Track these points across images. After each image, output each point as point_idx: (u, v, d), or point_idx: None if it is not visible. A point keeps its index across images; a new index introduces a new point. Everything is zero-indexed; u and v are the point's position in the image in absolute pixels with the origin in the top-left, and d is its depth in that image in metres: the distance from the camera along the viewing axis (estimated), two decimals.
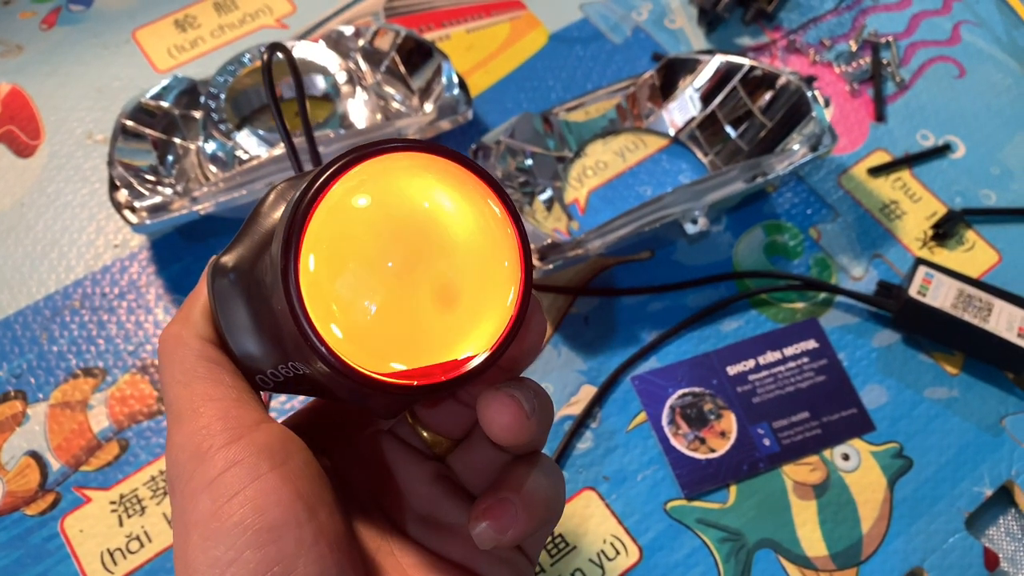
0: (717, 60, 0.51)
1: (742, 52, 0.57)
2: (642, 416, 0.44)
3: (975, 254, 0.50)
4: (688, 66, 0.52)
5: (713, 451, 0.43)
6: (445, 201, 0.22)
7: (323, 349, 0.20)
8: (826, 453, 0.43)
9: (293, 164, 0.32)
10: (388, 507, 0.27)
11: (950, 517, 0.42)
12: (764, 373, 0.45)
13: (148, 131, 0.47)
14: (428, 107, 0.48)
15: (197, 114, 0.49)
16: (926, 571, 0.41)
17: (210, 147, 0.48)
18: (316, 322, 0.20)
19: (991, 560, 0.41)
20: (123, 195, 0.44)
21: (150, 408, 0.43)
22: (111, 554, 0.40)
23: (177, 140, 0.48)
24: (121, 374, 0.44)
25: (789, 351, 0.46)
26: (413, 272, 0.22)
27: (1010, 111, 0.56)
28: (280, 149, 0.47)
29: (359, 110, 0.50)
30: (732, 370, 0.45)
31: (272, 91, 0.33)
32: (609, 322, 0.47)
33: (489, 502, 0.24)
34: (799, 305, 0.48)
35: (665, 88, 0.53)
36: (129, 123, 0.46)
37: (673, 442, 0.43)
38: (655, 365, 0.46)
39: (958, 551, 0.41)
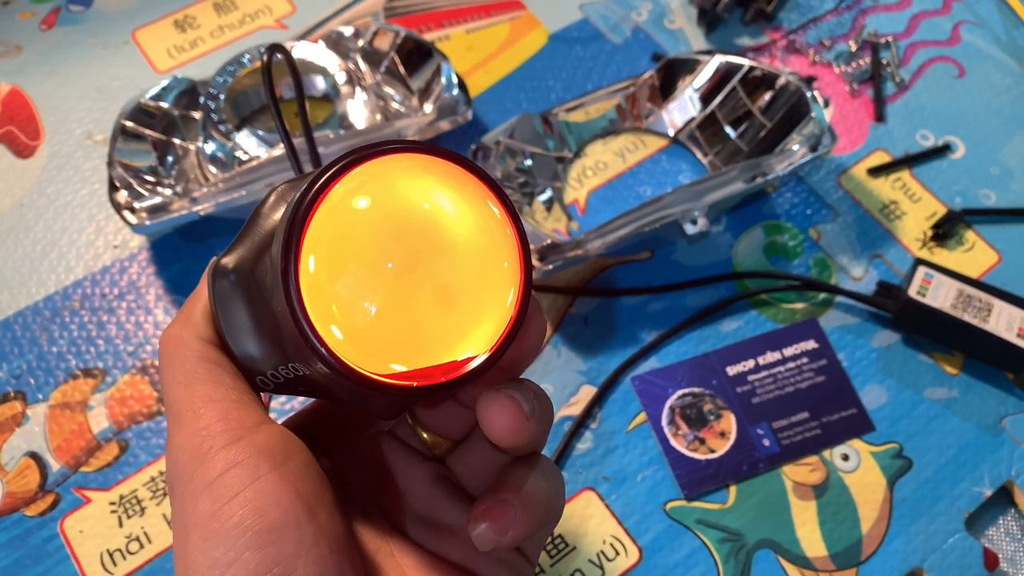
0: (717, 60, 0.51)
1: (742, 52, 0.57)
2: (642, 416, 0.44)
3: (975, 254, 0.50)
4: (688, 66, 0.52)
5: (713, 451, 0.43)
6: (445, 202, 0.22)
7: (323, 350, 0.20)
8: (826, 453, 0.43)
9: (293, 165, 0.32)
10: (388, 508, 0.27)
11: (950, 517, 0.42)
12: (764, 373, 0.45)
13: (148, 132, 0.47)
14: (428, 107, 0.48)
15: (197, 115, 0.49)
16: (926, 571, 0.41)
17: (210, 148, 0.48)
18: (316, 323, 0.20)
19: (991, 560, 0.41)
20: (123, 196, 0.44)
21: (150, 409, 0.43)
22: (111, 555, 0.40)
23: (177, 141, 0.48)
24: (121, 375, 0.44)
25: (789, 351, 0.46)
26: (413, 273, 0.22)
27: (1010, 111, 0.56)
28: (279, 150, 0.47)
29: (359, 111, 0.50)
30: (732, 370, 0.45)
31: (272, 92, 0.33)
32: (609, 322, 0.47)
33: (489, 503, 0.24)
34: (799, 305, 0.48)
35: (665, 88, 0.53)
36: (129, 124, 0.46)
37: (673, 442, 0.43)
38: (655, 365, 0.46)
39: (958, 551, 0.41)
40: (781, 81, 0.49)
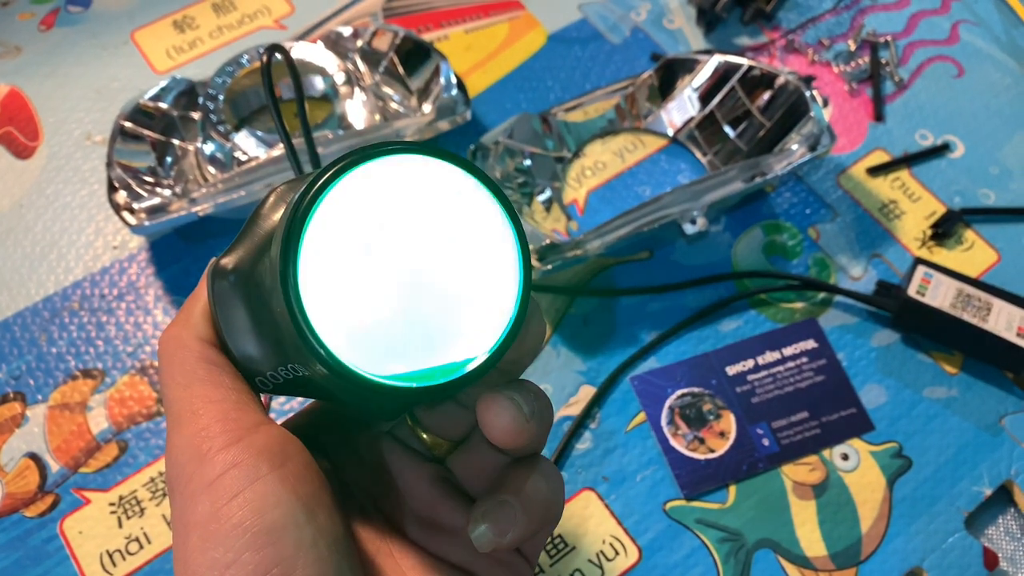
0: (716, 60, 0.51)
1: (741, 52, 0.57)
2: (641, 416, 0.44)
3: (974, 254, 0.50)
4: (687, 66, 0.52)
5: (712, 451, 0.43)
6: (444, 203, 0.22)
7: (322, 352, 0.20)
8: (825, 453, 0.43)
9: (293, 166, 0.32)
10: (388, 509, 0.27)
11: (949, 517, 0.42)
12: (763, 373, 0.45)
13: (147, 132, 0.47)
14: (427, 108, 0.48)
15: (196, 115, 0.49)
16: (925, 571, 0.41)
17: (209, 148, 0.48)
18: (315, 325, 0.20)
19: (990, 560, 0.41)
20: (122, 196, 0.44)
21: (149, 409, 0.43)
22: (110, 555, 0.40)
23: (176, 141, 0.48)
24: (120, 375, 0.44)
25: (788, 351, 0.46)
26: (411, 274, 0.22)
27: (1009, 110, 0.56)
28: (278, 150, 0.47)
29: (358, 111, 0.50)
30: (731, 370, 0.45)
31: (272, 93, 0.33)
32: (608, 322, 0.47)
33: (488, 505, 0.24)
34: (798, 305, 0.48)
35: (664, 88, 0.53)
36: (128, 124, 0.46)
37: (672, 442, 0.43)
38: (654, 365, 0.46)
39: (957, 551, 0.41)
40: (780, 81, 0.49)
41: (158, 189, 0.45)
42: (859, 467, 0.43)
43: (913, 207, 0.52)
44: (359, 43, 0.52)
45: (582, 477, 0.42)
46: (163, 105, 0.48)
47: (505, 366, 0.24)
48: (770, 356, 0.46)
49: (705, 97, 0.52)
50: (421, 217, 0.22)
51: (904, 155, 0.53)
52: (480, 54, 0.56)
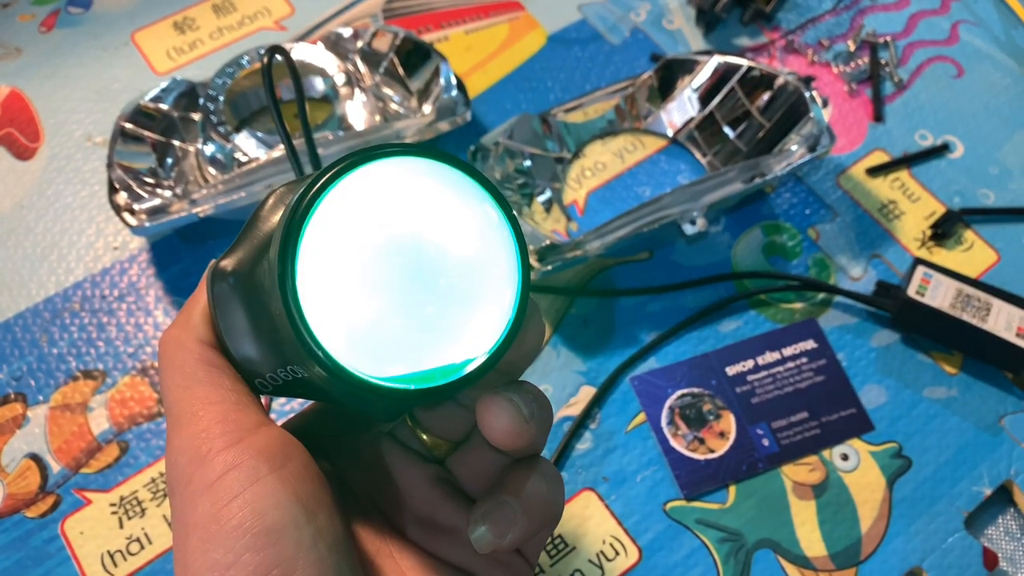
0: (715, 60, 0.51)
1: (740, 52, 0.57)
2: (641, 417, 0.44)
3: (974, 254, 0.50)
4: (686, 67, 0.53)
5: (712, 451, 0.43)
6: (443, 205, 0.22)
7: (321, 354, 0.21)
8: (825, 453, 0.43)
9: (294, 166, 0.32)
10: (387, 510, 0.27)
11: (949, 517, 0.42)
12: (763, 373, 0.45)
13: (147, 133, 0.47)
14: (427, 108, 0.48)
15: (196, 116, 0.49)
16: (925, 571, 0.41)
17: (209, 149, 0.48)
18: (314, 327, 0.20)
19: (990, 560, 0.41)
20: (122, 197, 0.44)
21: (150, 410, 0.43)
22: (111, 556, 0.40)
23: (176, 142, 0.48)
24: (121, 376, 0.44)
25: (788, 351, 0.46)
26: (411, 276, 0.22)
27: (1008, 111, 0.56)
28: (278, 151, 0.47)
29: (358, 112, 0.50)
30: (731, 370, 0.45)
31: (272, 94, 0.34)
32: (608, 323, 0.47)
33: (488, 506, 0.24)
34: (798, 305, 0.48)
35: (663, 89, 0.53)
36: (128, 125, 0.46)
37: (672, 443, 0.43)
38: (654, 366, 0.46)
39: (957, 551, 0.41)
40: (780, 81, 0.49)
41: (159, 190, 0.45)
42: (859, 467, 0.43)
43: (913, 207, 0.52)
44: (359, 44, 0.52)
45: (582, 477, 0.42)
46: (163, 106, 0.48)
47: (504, 367, 0.24)
48: (770, 356, 0.46)
49: (705, 98, 0.52)
50: (420, 219, 0.22)
51: (904, 155, 0.53)
52: (480, 55, 0.56)
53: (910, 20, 0.60)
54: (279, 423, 0.25)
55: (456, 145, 0.51)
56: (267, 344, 0.23)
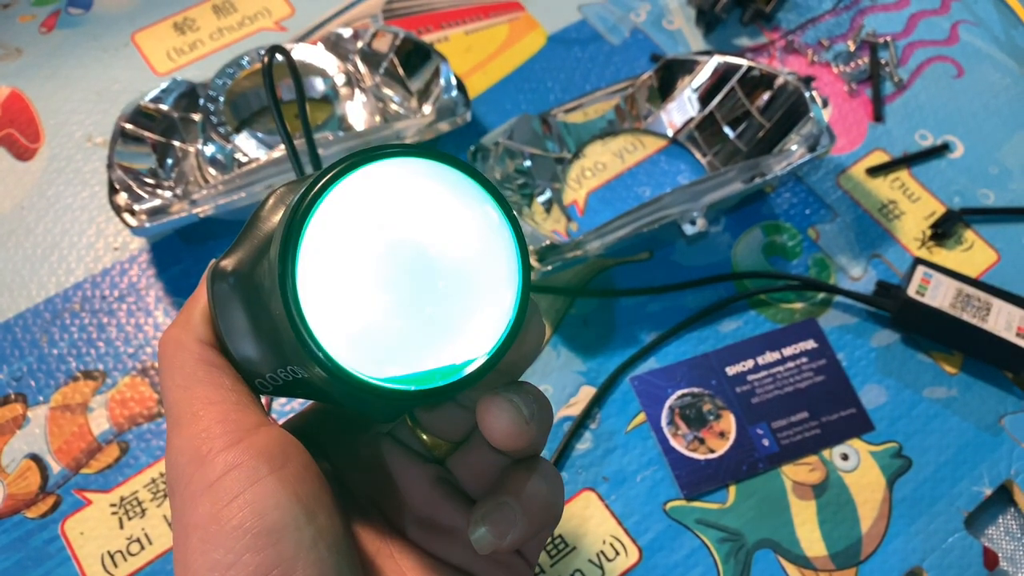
0: (715, 61, 0.51)
1: (740, 53, 0.57)
2: (641, 417, 0.44)
3: (974, 254, 0.50)
4: (686, 67, 0.53)
5: (712, 451, 0.43)
6: (443, 205, 0.22)
7: (321, 355, 0.21)
8: (825, 453, 0.43)
9: (294, 166, 0.32)
10: (387, 510, 0.27)
11: (949, 517, 0.42)
12: (763, 373, 0.45)
13: (147, 134, 0.47)
14: (427, 109, 0.48)
15: (196, 117, 0.49)
16: (925, 571, 0.41)
17: (209, 150, 0.48)
18: (314, 327, 0.20)
19: (990, 559, 0.41)
20: (123, 198, 0.44)
21: (150, 410, 0.43)
22: (111, 556, 0.40)
23: (176, 143, 0.48)
24: (121, 376, 0.44)
25: (788, 351, 0.46)
26: (411, 276, 0.22)
27: (1008, 110, 0.56)
28: (279, 151, 0.47)
29: (358, 112, 0.50)
30: (731, 370, 0.45)
31: (273, 94, 0.34)
32: (608, 323, 0.47)
33: (488, 506, 0.24)
34: (798, 305, 0.48)
35: (663, 89, 0.53)
36: (128, 126, 0.46)
37: (672, 443, 0.43)
38: (654, 366, 0.46)
39: (957, 550, 0.41)
40: (779, 81, 0.49)
41: (159, 191, 0.45)
42: (859, 467, 0.43)
43: (913, 207, 0.52)
44: (359, 44, 0.52)
45: (582, 477, 0.42)
46: (164, 107, 0.48)
47: (505, 368, 0.24)
48: (770, 356, 0.46)
49: (705, 98, 0.52)
50: (420, 219, 0.22)
51: (904, 155, 0.53)
52: (480, 55, 0.56)
53: (910, 20, 0.60)
54: (279, 423, 0.25)
55: (456, 145, 0.51)
56: (267, 344, 0.23)
